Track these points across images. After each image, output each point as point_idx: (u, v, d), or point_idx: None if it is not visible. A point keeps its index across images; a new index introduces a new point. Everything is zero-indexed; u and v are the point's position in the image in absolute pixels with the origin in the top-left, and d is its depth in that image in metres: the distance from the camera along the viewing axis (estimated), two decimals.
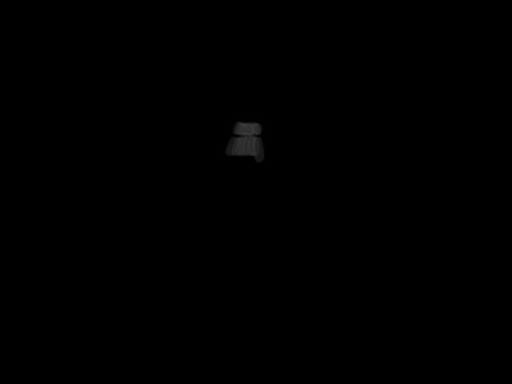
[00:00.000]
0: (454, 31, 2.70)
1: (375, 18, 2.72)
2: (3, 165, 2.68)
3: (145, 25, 2.72)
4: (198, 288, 2.68)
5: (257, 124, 2.77)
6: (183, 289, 2.68)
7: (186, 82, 2.74)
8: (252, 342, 2.61)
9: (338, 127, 2.75)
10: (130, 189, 2.72)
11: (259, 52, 2.76)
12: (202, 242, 2.72)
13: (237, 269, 2.70)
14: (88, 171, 2.70)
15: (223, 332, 2.63)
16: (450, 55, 2.71)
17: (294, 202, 2.74)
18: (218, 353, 2.60)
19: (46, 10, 2.69)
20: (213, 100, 2.76)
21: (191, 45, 2.76)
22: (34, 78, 2.71)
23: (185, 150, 2.75)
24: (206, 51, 2.75)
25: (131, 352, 2.59)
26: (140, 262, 2.68)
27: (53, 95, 2.71)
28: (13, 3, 2.67)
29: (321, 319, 2.63)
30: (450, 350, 2.57)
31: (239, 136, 2.76)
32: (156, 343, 2.61)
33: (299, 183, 2.74)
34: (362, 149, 2.74)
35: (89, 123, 2.72)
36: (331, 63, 2.75)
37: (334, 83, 2.76)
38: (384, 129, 2.72)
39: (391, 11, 2.70)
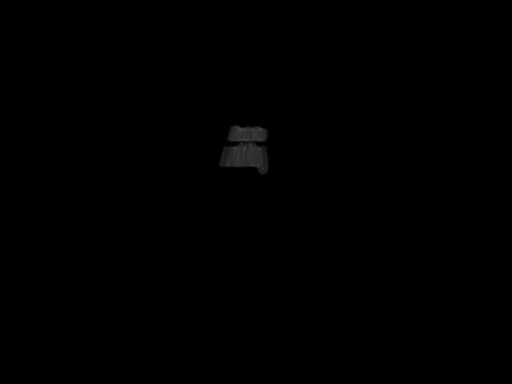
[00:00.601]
0: (454, 31, 2.72)
1: (389, 23, 2.73)
2: (3, 165, 2.74)
3: (136, 24, 2.74)
4: (196, 310, 2.68)
5: (260, 129, 2.72)
6: (179, 309, 2.67)
7: (170, 75, 2.74)
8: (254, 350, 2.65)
9: (356, 134, 2.72)
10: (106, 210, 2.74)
11: (262, 42, 2.74)
12: (196, 269, 2.70)
13: (239, 298, 2.68)
14: (75, 180, 2.71)
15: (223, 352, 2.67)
16: (450, 55, 2.73)
17: (304, 224, 2.71)
18: (217, 358, 2.65)
19: (45, 10, 2.74)
20: (206, 98, 2.74)
21: (180, 36, 2.74)
22: (33, 77, 2.74)
23: (172, 159, 2.73)
24: (195, 40, 2.75)
25: (131, 352, 2.65)
26: (130, 285, 2.69)
27: (42, 98, 2.74)
28: (13, 3, 2.76)
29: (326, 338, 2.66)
30: (449, 349, 2.64)
31: (236, 143, 2.73)
32: (153, 352, 2.66)
33: (311, 201, 2.71)
34: (385, 158, 2.72)
35: (80, 128, 2.73)
36: (350, 60, 2.73)
37: (353, 82, 2.73)
38: (405, 138, 2.72)
39: (402, 15, 2.73)
